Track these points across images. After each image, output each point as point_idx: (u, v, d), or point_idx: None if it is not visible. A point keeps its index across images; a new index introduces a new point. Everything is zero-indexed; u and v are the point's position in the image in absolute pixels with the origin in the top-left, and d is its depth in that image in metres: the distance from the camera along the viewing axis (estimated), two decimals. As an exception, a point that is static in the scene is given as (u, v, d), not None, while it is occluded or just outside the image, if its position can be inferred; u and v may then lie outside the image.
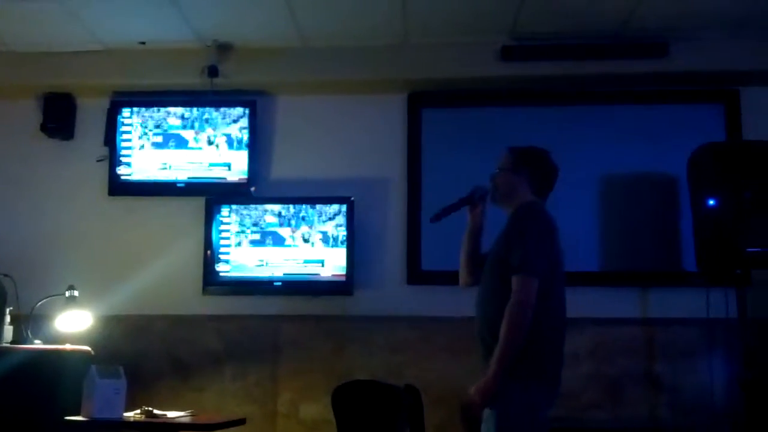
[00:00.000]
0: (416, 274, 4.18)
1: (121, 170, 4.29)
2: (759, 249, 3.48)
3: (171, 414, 3.45)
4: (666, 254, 4.16)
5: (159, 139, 4.30)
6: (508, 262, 2.64)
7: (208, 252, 4.17)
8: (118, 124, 4.32)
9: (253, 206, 4.19)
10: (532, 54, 4.11)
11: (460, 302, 4.00)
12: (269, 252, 4.14)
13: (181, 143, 4.29)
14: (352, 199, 4.14)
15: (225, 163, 4.26)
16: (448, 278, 3.95)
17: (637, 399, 3.99)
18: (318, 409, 4.01)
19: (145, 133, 4.31)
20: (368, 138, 4.32)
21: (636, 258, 4.14)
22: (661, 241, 4.17)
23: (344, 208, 4.13)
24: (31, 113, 4.43)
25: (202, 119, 4.30)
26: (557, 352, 2.71)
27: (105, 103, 4.39)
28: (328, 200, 4.16)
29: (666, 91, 4.26)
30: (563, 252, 2.79)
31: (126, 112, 4.33)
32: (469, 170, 4.12)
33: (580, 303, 3.97)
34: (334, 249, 4.10)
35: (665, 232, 4.17)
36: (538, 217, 2.76)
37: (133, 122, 4.32)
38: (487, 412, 2.61)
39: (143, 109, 4.33)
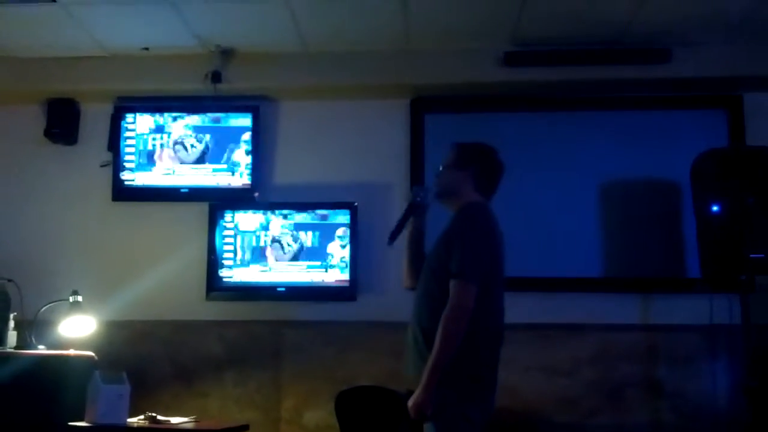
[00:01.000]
0: (419, 280, 4.18)
1: (125, 175, 4.30)
2: (762, 255, 3.48)
3: (174, 420, 3.46)
4: (669, 260, 4.16)
5: (162, 144, 4.30)
6: (446, 265, 2.56)
7: (212, 257, 4.17)
8: (122, 129, 4.32)
9: (256, 212, 4.20)
10: (535, 59, 4.11)
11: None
12: (272, 257, 4.15)
13: (184, 149, 4.30)
14: (356, 204, 4.15)
15: (228, 169, 4.27)
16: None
17: (640, 405, 3.98)
18: (321, 415, 4.01)
19: (148, 139, 4.31)
20: (371, 143, 4.32)
21: (639, 264, 4.14)
22: (664, 247, 4.17)
23: (348, 213, 4.14)
24: (35, 119, 4.44)
25: (205, 125, 4.31)
26: (494, 358, 2.64)
27: (109, 109, 4.40)
28: (332, 205, 4.17)
29: (669, 96, 4.26)
30: (505, 255, 2.70)
31: (129, 117, 4.34)
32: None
33: (582, 309, 4.05)
34: (338, 254, 4.11)
35: (668, 238, 4.17)
36: (479, 220, 2.65)
37: (136, 128, 4.33)
38: (426, 426, 2.53)
39: (147, 114, 4.34)
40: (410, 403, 2.53)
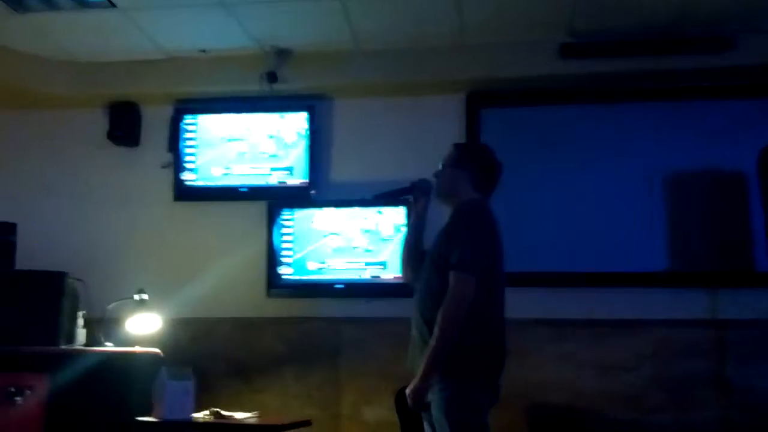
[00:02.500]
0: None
1: (186, 176, 4.38)
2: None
3: (238, 415, 3.51)
4: (735, 253, 4.05)
5: (221, 144, 4.38)
6: (448, 259, 2.64)
7: (271, 255, 4.22)
8: (182, 130, 4.41)
9: (313, 209, 4.24)
10: (592, 51, 4.04)
11: (525, 304, 3.98)
12: (331, 254, 4.18)
13: (243, 148, 4.36)
14: (411, 200, 4.13)
15: (286, 168, 4.31)
16: (510, 279, 3.95)
17: (706, 402, 3.89)
18: (381, 411, 4.02)
19: (208, 139, 4.39)
20: (427, 139, 4.29)
21: (704, 258, 4.04)
22: (730, 240, 4.05)
23: (404, 209, 4.14)
24: (98, 122, 4.56)
25: (262, 124, 4.36)
26: (497, 350, 2.71)
27: (169, 111, 4.50)
28: (396, 198, 4.16)
29: (733, 85, 4.13)
30: (504, 251, 2.78)
31: (189, 119, 4.42)
32: (529, 169, 4.14)
33: (646, 304, 3.97)
34: (395, 251, 4.11)
35: (734, 231, 4.05)
36: (479, 215, 2.75)
37: (196, 129, 4.41)
38: (435, 414, 2.61)
39: (205, 115, 4.41)
40: (408, 390, 2.63)
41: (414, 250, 2.96)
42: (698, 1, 3.70)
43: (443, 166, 2.91)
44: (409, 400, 2.64)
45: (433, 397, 2.62)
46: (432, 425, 2.68)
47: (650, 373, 3.94)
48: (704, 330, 3.94)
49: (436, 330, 2.58)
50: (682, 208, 4.10)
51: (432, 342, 2.58)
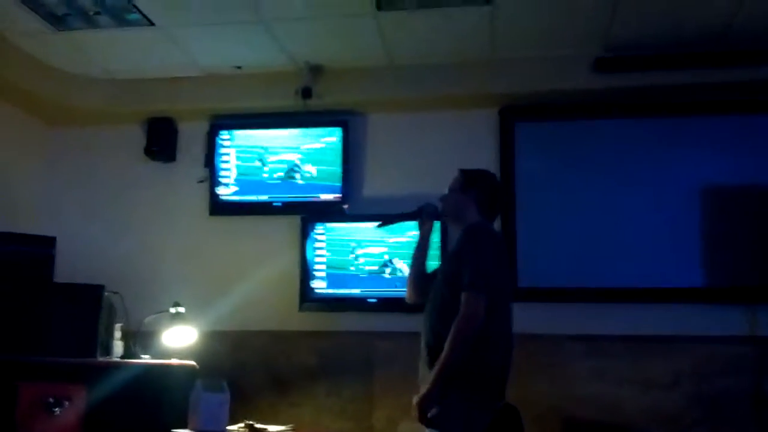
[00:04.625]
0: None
1: (221, 191, 4.43)
2: None
3: (271, 428, 3.52)
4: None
5: (256, 159, 4.42)
6: (459, 279, 2.74)
7: (304, 269, 4.25)
8: (217, 146, 4.47)
9: (346, 223, 4.26)
10: (627, 65, 4.02)
11: (558, 319, 3.97)
12: (363, 269, 4.19)
13: (278, 163, 4.40)
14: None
15: (320, 182, 4.34)
16: (545, 295, 3.93)
17: (745, 420, 3.81)
18: (414, 426, 3.98)
19: (243, 155, 4.44)
20: (460, 153, 4.29)
21: (742, 273, 3.97)
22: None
23: (438, 224, 4.12)
24: (135, 137, 4.64)
25: (297, 139, 4.40)
26: (503, 364, 2.81)
27: (204, 127, 4.56)
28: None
29: (768, 99, 4.09)
30: (510, 270, 3.01)
31: (225, 134, 4.48)
32: (563, 183, 4.13)
33: (683, 320, 3.92)
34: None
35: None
36: (488, 238, 2.87)
37: (231, 144, 4.46)
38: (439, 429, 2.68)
39: (241, 131, 4.46)
40: (414, 402, 2.71)
41: (419, 272, 3.11)
42: (735, 14, 3.66)
43: (450, 190, 3.06)
44: (413, 412, 2.73)
45: (436, 411, 2.69)
46: None
47: (688, 390, 3.88)
48: (742, 347, 3.87)
49: (446, 346, 2.66)
50: (720, 222, 4.04)
51: (442, 358, 2.67)
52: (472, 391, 2.70)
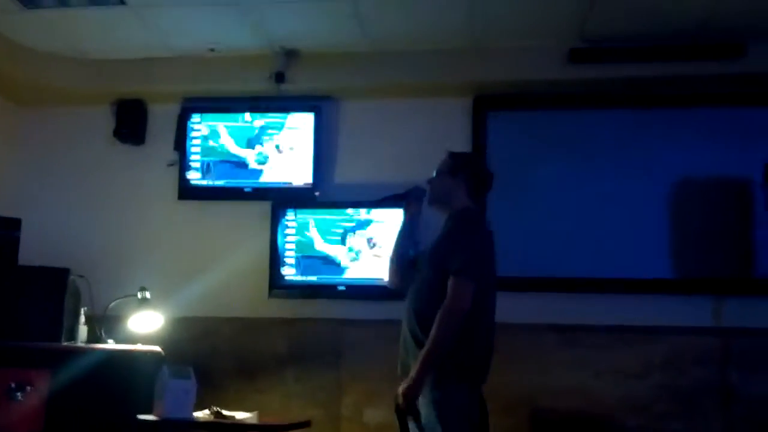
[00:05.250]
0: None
1: (191, 175, 4.37)
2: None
3: (238, 415, 3.50)
4: (742, 261, 4.02)
5: (227, 143, 4.37)
6: (446, 264, 2.71)
7: (274, 256, 4.21)
8: (188, 129, 4.40)
9: (317, 210, 4.23)
10: (602, 56, 4.02)
11: (532, 309, 3.98)
12: (333, 255, 4.16)
13: (249, 147, 4.35)
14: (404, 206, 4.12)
15: (291, 168, 4.29)
16: (517, 284, 3.93)
17: (713, 411, 3.87)
18: (381, 413, 4.00)
19: (214, 138, 4.38)
20: (433, 141, 4.24)
21: (711, 265, 4.01)
22: (737, 248, 4.03)
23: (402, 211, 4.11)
24: (104, 119, 4.55)
25: (269, 124, 4.35)
26: (488, 355, 2.80)
27: (175, 109, 4.49)
28: (393, 204, 4.15)
29: (741, 93, 4.11)
30: (496, 258, 2.88)
31: (195, 117, 4.41)
32: (536, 174, 4.13)
33: (652, 311, 3.95)
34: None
35: (741, 239, 4.03)
36: (476, 224, 2.87)
37: (201, 128, 4.40)
38: (425, 414, 2.66)
39: (212, 114, 4.40)
40: (401, 389, 2.68)
41: (403, 256, 3.07)
42: (709, 8, 3.68)
43: (437, 173, 3.01)
44: (400, 400, 2.70)
45: (423, 399, 2.67)
46: (419, 428, 2.71)
47: (660, 381, 3.91)
48: (711, 338, 3.92)
49: (432, 332, 2.64)
50: (690, 214, 4.08)
51: (428, 344, 2.64)
52: (465, 378, 2.70)
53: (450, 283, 2.68)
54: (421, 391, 2.66)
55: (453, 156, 3.03)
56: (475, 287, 2.67)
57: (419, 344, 2.73)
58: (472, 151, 3.12)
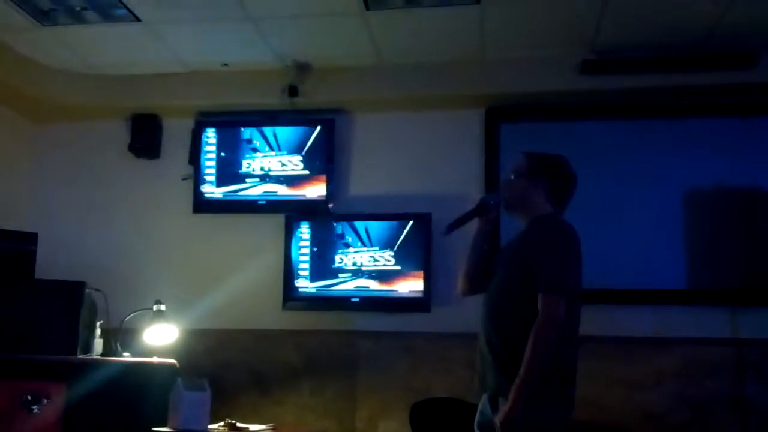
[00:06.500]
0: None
1: (205, 188, 4.41)
2: None
3: (253, 427, 3.51)
4: (757, 271, 3.99)
5: (240, 157, 4.40)
6: (532, 273, 2.50)
7: (288, 268, 4.23)
8: (202, 143, 4.44)
9: (331, 223, 4.25)
10: (614, 67, 4.02)
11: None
12: (347, 268, 4.18)
13: (263, 161, 4.37)
14: (430, 214, 4.14)
15: (305, 181, 4.31)
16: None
17: (726, 422, 3.83)
18: (396, 426, 4.00)
19: (228, 152, 4.41)
20: (446, 153, 4.32)
21: (726, 276, 3.99)
22: (752, 258, 4.00)
23: (423, 224, 4.13)
24: (119, 134, 4.60)
25: (282, 138, 4.38)
26: (574, 372, 2.59)
27: (189, 124, 4.53)
28: (407, 216, 4.17)
29: (754, 102, 4.10)
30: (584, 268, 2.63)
31: (210, 132, 4.45)
32: (548, 186, 4.12)
33: (666, 322, 3.93)
34: (412, 265, 4.11)
35: (756, 249, 4.01)
36: (565, 234, 2.59)
37: (216, 142, 4.44)
38: None
39: (226, 128, 4.44)
40: (499, 419, 2.44)
41: (478, 266, 2.81)
42: (721, 18, 3.68)
43: (515, 175, 2.74)
44: (500, 430, 2.44)
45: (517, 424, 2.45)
46: None
47: (673, 392, 3.88)
48: (725, 348, 3.89)
49: (527, 355, 2.42)
50: (704, 225, 4.06)
51: (523, 367, 2.42)
52: (556, 399, 2.51)
53: (540, 300, 2.46)
54: (521, 423, 2.42)
55: (530, 157, 2.75)
56: (567, 304, 2.46)
57: (493, 350, 2.56)
58: (553, 153, 2.78)
